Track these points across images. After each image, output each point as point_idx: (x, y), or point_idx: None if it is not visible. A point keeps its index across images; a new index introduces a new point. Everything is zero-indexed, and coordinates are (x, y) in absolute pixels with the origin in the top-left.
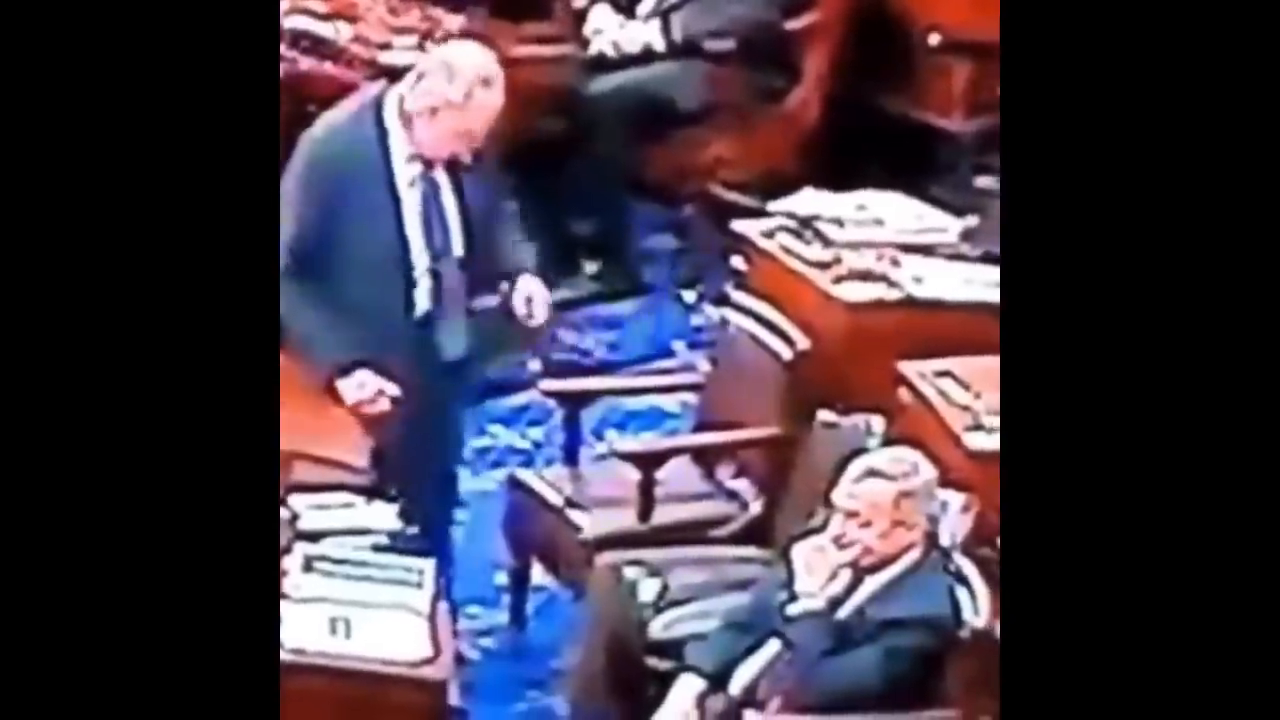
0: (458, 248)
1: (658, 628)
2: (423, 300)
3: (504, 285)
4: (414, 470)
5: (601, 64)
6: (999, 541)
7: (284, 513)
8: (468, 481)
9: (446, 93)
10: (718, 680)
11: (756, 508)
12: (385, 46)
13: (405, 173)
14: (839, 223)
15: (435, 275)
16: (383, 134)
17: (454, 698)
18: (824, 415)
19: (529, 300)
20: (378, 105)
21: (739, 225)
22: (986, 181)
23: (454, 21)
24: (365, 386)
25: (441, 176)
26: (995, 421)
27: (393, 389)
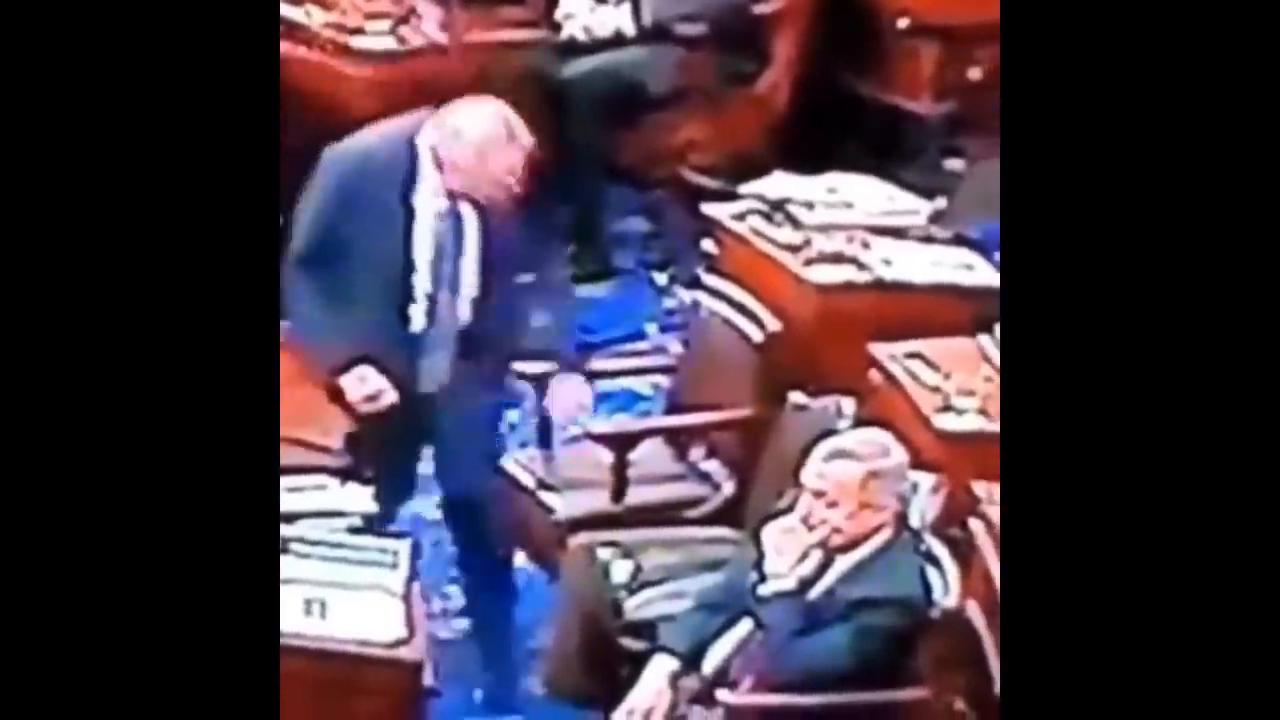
0: (469, 287)
1: (631, 608)
2: (418, 318)
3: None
4: (391, 457)
5: (573, 48)
6: (1000, 526)
7: None
8: None
9: (463, 155)
10: (690, 660)
11: (728, 489)
12: (358, 31)
13: (430, 202)
14: (809, 205)
15: (431, 301)
16: (413, 165)
17: (429, 678)
18: (795, 397)
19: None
20: (412, 137)
21: (710, 208)
22: (955, 164)
23: (428, 7)
24: (367, 381)
25: (470, 216)
26: (965, 402)
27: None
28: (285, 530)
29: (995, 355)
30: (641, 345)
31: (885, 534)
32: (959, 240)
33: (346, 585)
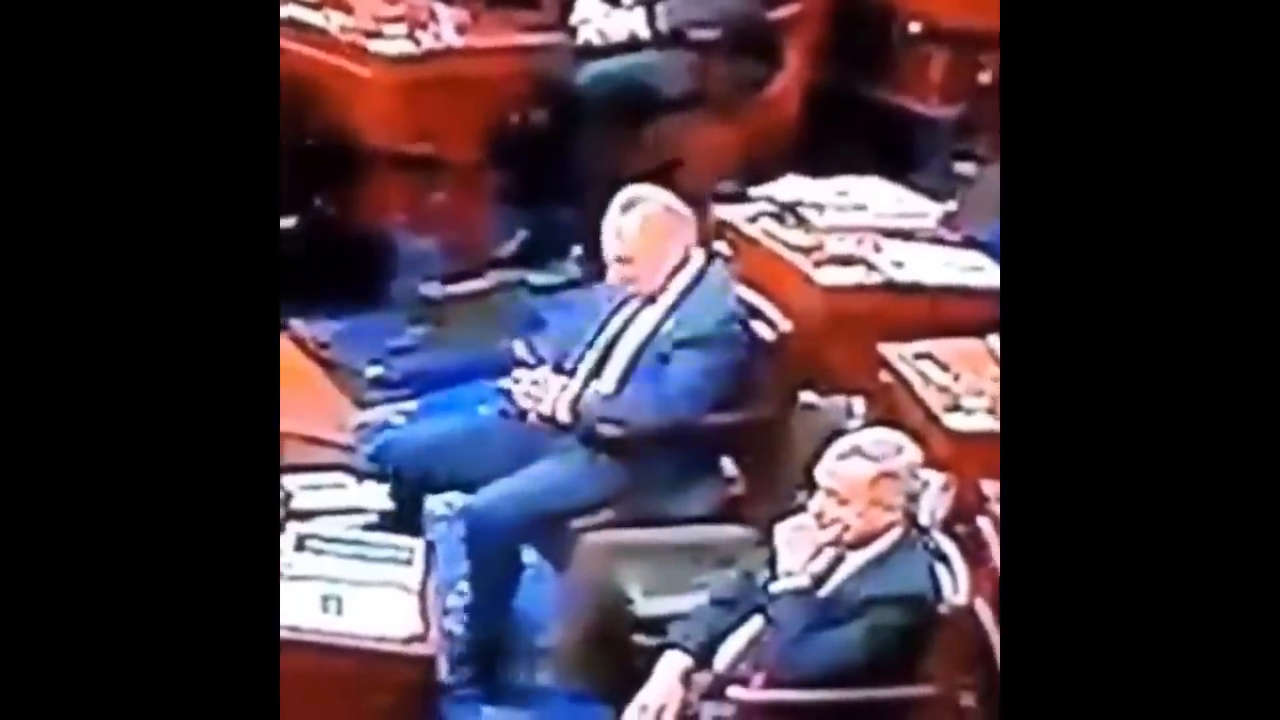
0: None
1: (643, 605)
2: None
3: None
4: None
5: (588, 52)
6: (999, 523)
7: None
8: None
9: None
10: (702, 657)
11: (740, 488)
12: (376, 35)
13: None
14: (820, 208)
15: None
16: None
17: (443, 673)
18: (806, 397)
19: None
20: None
21: (722, 211)
22: (966, 167)
23: (445, 11)
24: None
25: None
26: (974, 402)
27: None
28: (301, 527)
29: None
30: None
31: (895, 532)
32: (969, 242)
33: (362, 582)
